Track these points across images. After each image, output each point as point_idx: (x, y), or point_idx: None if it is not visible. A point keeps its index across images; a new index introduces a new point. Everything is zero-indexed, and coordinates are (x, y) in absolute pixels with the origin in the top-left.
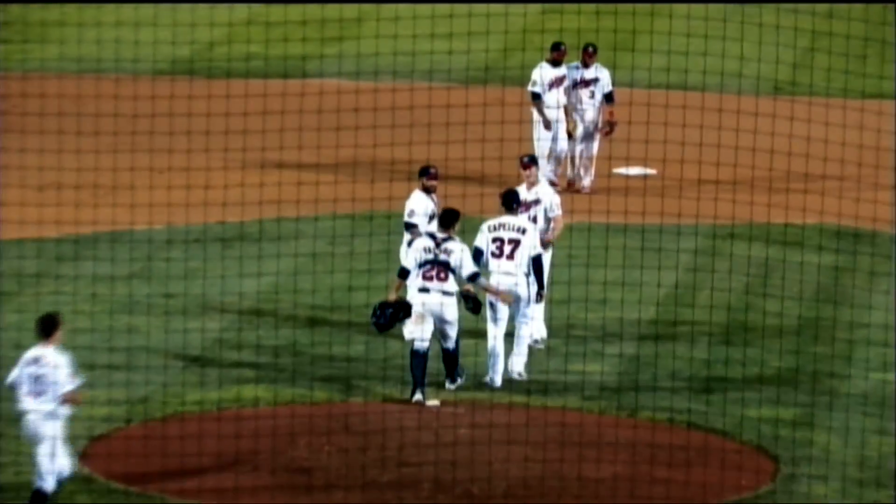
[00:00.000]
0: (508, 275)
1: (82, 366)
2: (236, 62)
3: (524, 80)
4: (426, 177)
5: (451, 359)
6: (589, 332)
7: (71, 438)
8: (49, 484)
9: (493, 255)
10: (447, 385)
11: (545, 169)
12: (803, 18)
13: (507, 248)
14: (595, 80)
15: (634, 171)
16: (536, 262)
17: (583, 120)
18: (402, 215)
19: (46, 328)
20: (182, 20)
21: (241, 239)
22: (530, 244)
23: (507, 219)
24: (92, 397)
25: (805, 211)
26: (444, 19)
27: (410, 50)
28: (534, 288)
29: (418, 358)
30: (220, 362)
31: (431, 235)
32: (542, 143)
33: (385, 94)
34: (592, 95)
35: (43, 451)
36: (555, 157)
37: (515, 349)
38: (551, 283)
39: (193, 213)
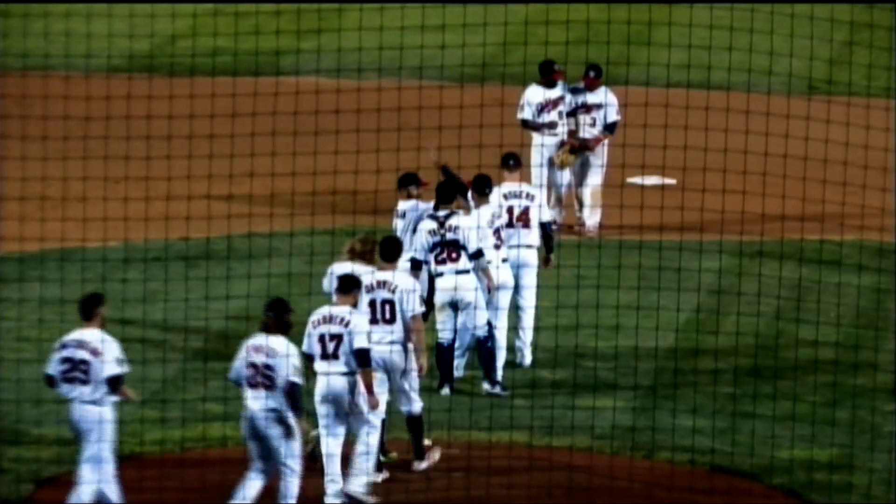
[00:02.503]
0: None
1: (27, 399)
2: (201, 58)
3: (526, 77)
4: (414, 185)
5: (487, 352)
6: (600, 363)
7: (14, 482)
8: (419, 405)
9: (495, 246)
10: (485, 387)
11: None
12: (841, 8)
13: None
14: (598, 106)
15: (651, 180)
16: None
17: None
18: (388, 231)
19: (389, 253)
20: (140, 10)
21: (207, 257)
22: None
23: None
24: (39, 436)
25: (843, 226)
26: (435, 9)
27: (398, 44)
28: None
29: (442, 351)
30: (183, 397)
31: (433, 216)
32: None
33: (369, 94)
34: (594, 123)
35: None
36: (555, 196)
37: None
38: (556, 307)
39: (153, 228)
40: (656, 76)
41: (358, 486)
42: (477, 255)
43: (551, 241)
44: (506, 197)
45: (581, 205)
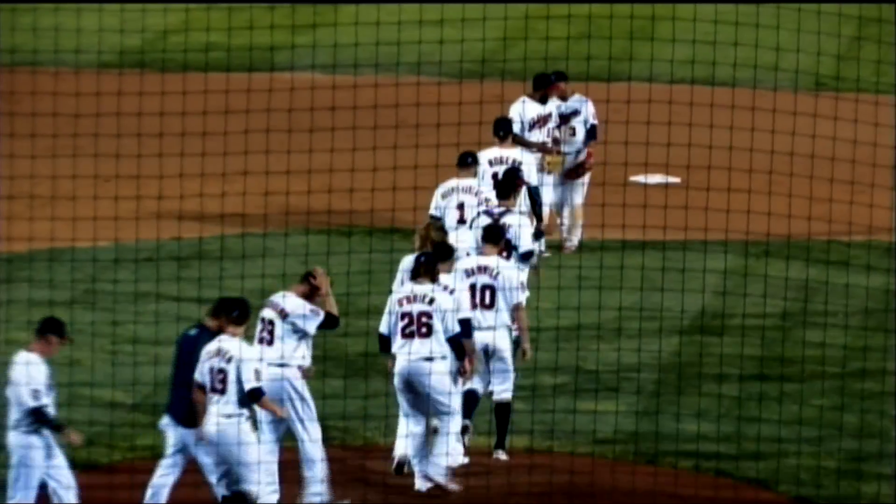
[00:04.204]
0: None
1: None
2: (194, 53)
3: (527, 73)
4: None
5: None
6: (602, 366)
7: (1, 485)
8: (510, 393)
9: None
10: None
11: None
12: (849, 4)
13: None
14: (575, 113)
15: (654, 179)
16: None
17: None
18: (385, 230)
19: (491, 237)
20: (131, 5)
21: (199, 258)
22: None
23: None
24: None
25: (851, 225)
26: (434, 4)
27: (395, 39)
28: None
29: None
30: None
31: (489, 212)
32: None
33: (366, 91)
34: (574, 133)
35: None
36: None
37: None
38: (557, 308)
39: (144, 227)
40: (660, 72)
41: (438, 470)
42: (527, 255)
43: (539, 207)
44: (490, 163)
45: (564, 222)
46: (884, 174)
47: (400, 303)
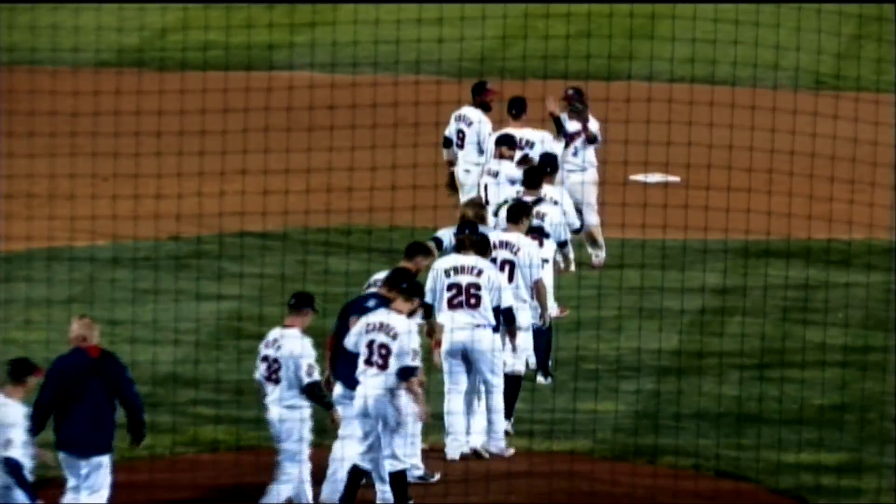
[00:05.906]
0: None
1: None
2: (192, 52)
3: (525, 72)
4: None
5: (547, 344)
6: (601, 366)
7: None
8: (522, 366)
9: None
10: (539, 380)
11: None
12: (849, 2)
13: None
14: (579, 134)
15: (654, 178)
16: None
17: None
18: (384, 229)
19: (515, 216)
20: (130, 3)
21: (197, 257)
22: None
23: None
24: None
25: (851, 224)
26: (433, 3)
27: (394, 37)
28: None
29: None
30: (173, 400)
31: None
32: None
33: (365, 89)
34: (576, 153)
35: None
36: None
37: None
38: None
39: (143, 226)
40: (660, 70)
41: (498, 444)
42: (563, 244)
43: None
44: (497, 145)
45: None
46: (884, 173)
47: (447, 273)
